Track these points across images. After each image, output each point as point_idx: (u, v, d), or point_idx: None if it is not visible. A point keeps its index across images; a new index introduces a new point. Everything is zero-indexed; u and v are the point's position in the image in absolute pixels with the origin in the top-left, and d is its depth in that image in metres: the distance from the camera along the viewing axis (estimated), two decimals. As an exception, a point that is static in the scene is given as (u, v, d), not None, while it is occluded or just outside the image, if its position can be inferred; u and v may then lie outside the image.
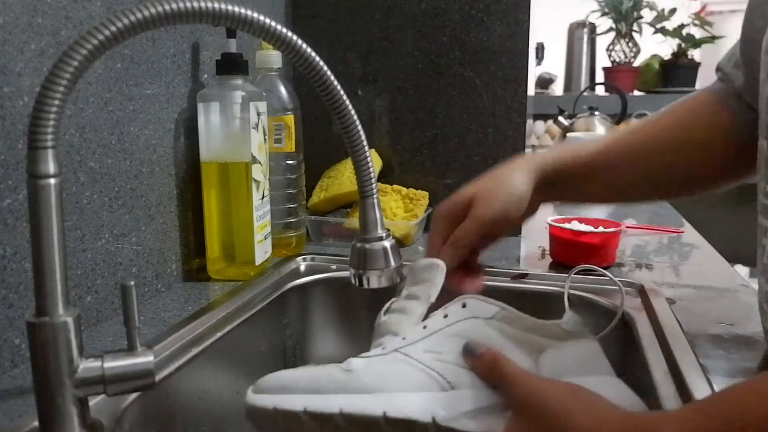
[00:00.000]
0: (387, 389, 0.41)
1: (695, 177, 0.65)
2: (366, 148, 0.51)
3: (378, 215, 0.54)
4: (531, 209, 0.64)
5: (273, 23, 0.44)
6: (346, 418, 0.40)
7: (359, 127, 0.51)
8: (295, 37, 0.46)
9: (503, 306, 0.50)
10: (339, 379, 0.42)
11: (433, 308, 0.54)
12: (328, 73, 0.48)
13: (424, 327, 0.50)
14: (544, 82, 2.91)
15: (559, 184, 0.64)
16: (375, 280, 0.54)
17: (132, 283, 0.43)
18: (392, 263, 0.54)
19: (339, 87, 0.49)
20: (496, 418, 0.39)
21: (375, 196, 0.53)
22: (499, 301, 0.52)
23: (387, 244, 0.54)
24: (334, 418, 0.40)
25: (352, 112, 0.50)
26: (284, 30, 0.45)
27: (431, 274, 0.55)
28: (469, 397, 0.40)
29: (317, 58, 0.47)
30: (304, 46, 0.46)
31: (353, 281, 0.56)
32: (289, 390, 0.42)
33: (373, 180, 0.53)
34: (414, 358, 0.45)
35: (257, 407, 0.43)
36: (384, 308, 0.55)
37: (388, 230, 0.55)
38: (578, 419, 0.36)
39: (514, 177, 0.61)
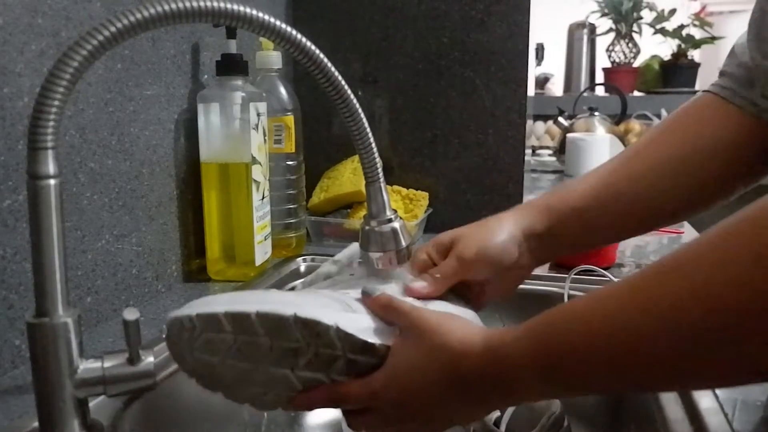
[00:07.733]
0: (299, 303, 0.47)
1: (707, 189, 0.60)
2: (369, 135, 0.52)
3: (385, 198, 0.55)
4: (524, 264, 0.59)
5: (272, 19, 0.44)
6: (261, 317, 0.45)
7: (362, 115, 0.51)
8: (294, 32, 0.46)
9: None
10: (256, 294, 0.49)
11: None
12: (329, 64, 0.48)
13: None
14: (540, 82, 2.91)
15: (559, 225, 0.59)
16: (386, 261, 0.55)
17: (135, 317, 0.44)
18: (402, 243, 0.56)
19: (340, 77, 0.49)
20: (387, 336, 0.48)
21: (381, 179, 0.54)
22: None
23: (396, 225, 0.55)
24: (250, 318, 0.45)
25: (354, 100, 0.50)
26: (283, 25, 0.45)
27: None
28: (367, 319, 0.49)
29: (317, 51, 0.48)
30: (304, 39, 0.47)
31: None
32: (211, 303, 0.47)
33: (378, 165, 0.54)
34: (324, 294, 0.52)
35: (179, 317, 0.46)
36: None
37: (395, 211, 0.56)
38: (453, 333, 0.46)
39: (498, 223, 0.59)
